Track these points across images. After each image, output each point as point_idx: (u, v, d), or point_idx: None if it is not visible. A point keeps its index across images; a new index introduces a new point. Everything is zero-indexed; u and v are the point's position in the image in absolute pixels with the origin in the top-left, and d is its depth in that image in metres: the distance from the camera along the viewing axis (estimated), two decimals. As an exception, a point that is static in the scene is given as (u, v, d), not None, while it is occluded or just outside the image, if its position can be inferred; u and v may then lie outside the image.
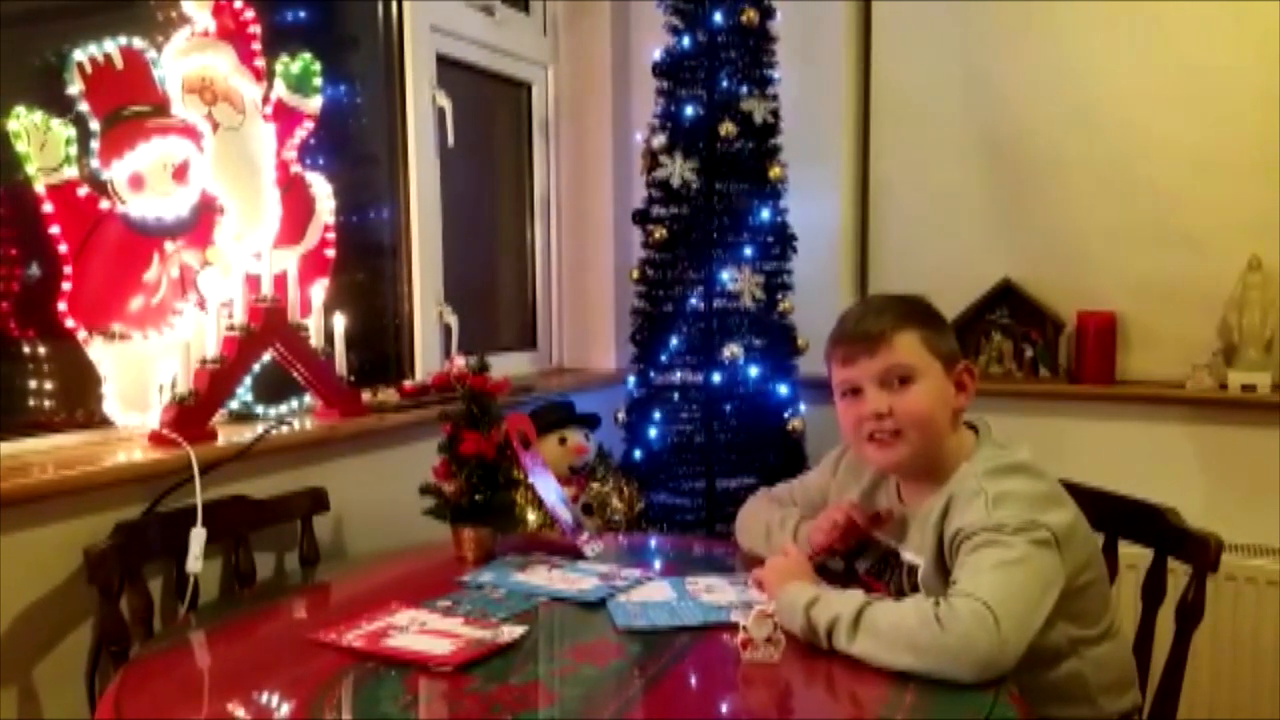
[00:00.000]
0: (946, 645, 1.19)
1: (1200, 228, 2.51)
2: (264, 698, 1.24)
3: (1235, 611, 2.34)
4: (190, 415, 1.76)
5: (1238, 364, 2.43)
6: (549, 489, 1.82)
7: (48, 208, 1.69)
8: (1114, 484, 1.77)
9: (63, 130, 1.70)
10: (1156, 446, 2.52)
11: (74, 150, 1.71)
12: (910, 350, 1.45)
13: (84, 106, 1.74)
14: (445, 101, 2.52)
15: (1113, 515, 1.72)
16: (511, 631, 1.35)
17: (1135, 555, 1.72)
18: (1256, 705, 2.34)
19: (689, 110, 2.40)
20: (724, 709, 1.24)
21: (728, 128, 2.35)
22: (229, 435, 1.83)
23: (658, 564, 1.78)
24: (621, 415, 2.51)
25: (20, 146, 1.66)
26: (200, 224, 1.90)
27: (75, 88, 1.73)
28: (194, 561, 1.63)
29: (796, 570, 1.45)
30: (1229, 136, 2.47)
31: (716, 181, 2.40)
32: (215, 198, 1.91)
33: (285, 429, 1.93)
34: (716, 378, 2.40)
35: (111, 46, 1.77)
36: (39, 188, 1.68)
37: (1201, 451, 2.48)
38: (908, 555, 1.47)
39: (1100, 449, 2.54)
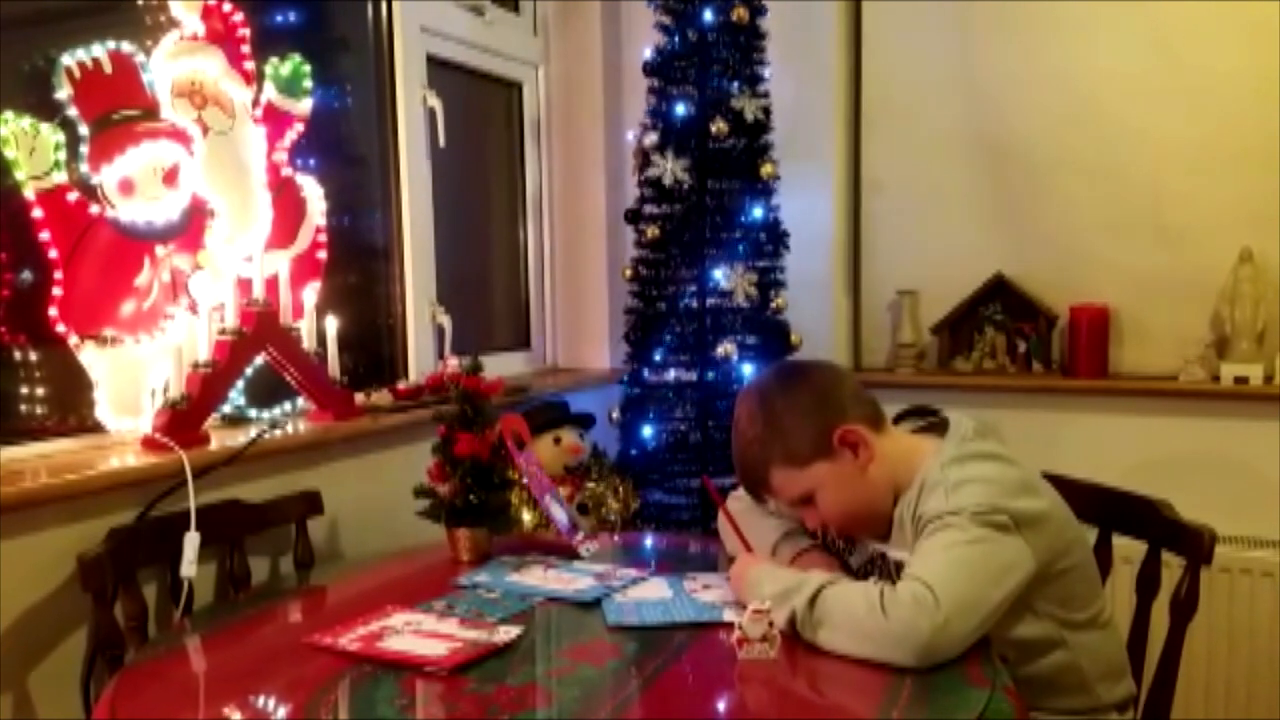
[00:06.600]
0: (890, 631, 1.21)
1: (1192, 221, 2.52)
2: (260, 702, 1.24)
3: (1230, 603, 2.35)
4: (183, 419, 1.75)
5: (1230, 356, 2.43)
6: (544, 489, 1.82)
7: (37, 213, 1.69)
8: (1107, 477, 1.77)
9: (51, 135, 1.69)
10: (1150, 439, 2.53)
11: (63, 155, 1.71)
12: (787, 482, 1.48)
13: (73, 111, 1.74)
14: (436, 102, 2.52)
15: (1106, 508, 1.72)
16: (507, 632, 1.35)
17: (1129, 548, 1.72)
18: (1251, 696, 2.35)
19: (680, 109, 2.40)
20: (721, 707, 1.25)
21: (719, 126, 2.35)
22: (222, 439, 1.83)
23: (653, 563, 1.78)
24: (616, 414, 2.51)
25: (9, 152, 1.65)
26: (191, 228, 1.90)
27: (64, 92, 1.73)
28: (188, 566, 1.63)
29: (755, 560, 1.48)
30: (1220, 130, 2.48)
31: (708, 180, 2.40)
32: (206, 201, 1.91)
33: (278, 432, 1.92)
34: (710, 375, 2.40)
35: (100, 50, 1.77)
36: (28, 193, 1.68)
37: (1195, 444, 2.49)
38: (894, 554, 1.48)
39: (1094, 442, 2.55)
